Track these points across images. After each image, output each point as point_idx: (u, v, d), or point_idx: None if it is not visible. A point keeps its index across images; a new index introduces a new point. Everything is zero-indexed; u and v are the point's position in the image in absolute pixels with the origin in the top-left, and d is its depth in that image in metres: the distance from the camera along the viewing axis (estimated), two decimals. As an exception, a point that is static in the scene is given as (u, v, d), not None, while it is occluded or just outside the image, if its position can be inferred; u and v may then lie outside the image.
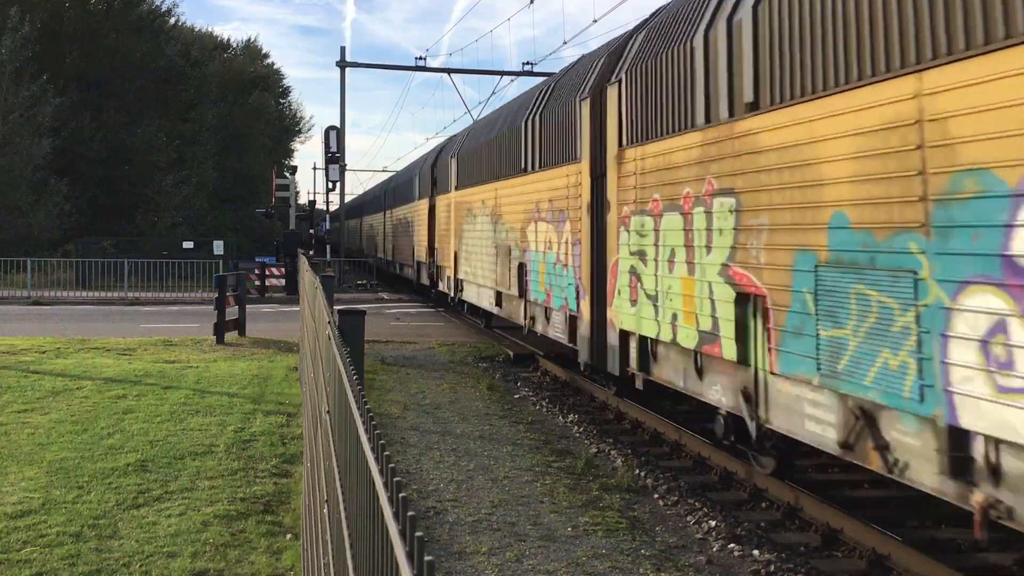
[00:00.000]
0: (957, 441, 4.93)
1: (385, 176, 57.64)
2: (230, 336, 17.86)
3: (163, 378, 13.21)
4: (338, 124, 35.40)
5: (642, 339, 9.32)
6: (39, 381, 12.72)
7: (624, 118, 9.85)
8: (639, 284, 9.26)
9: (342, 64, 36.19)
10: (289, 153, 79.67)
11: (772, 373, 6.70)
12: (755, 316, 6.99)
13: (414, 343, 17.92)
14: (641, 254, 9.23)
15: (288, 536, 6.55)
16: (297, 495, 7.44)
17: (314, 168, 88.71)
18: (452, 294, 20.90)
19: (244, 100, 60.43)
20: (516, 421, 10.87)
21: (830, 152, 5.93)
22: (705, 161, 7.75)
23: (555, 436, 10.19)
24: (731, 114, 7.38)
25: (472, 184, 18.32)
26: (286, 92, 77.69)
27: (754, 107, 7.01)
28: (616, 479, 8.32)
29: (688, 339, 8.05)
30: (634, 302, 9.40)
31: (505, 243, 15.26)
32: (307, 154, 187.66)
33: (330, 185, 35.73)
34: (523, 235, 14.11)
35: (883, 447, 5.55)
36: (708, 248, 7.66)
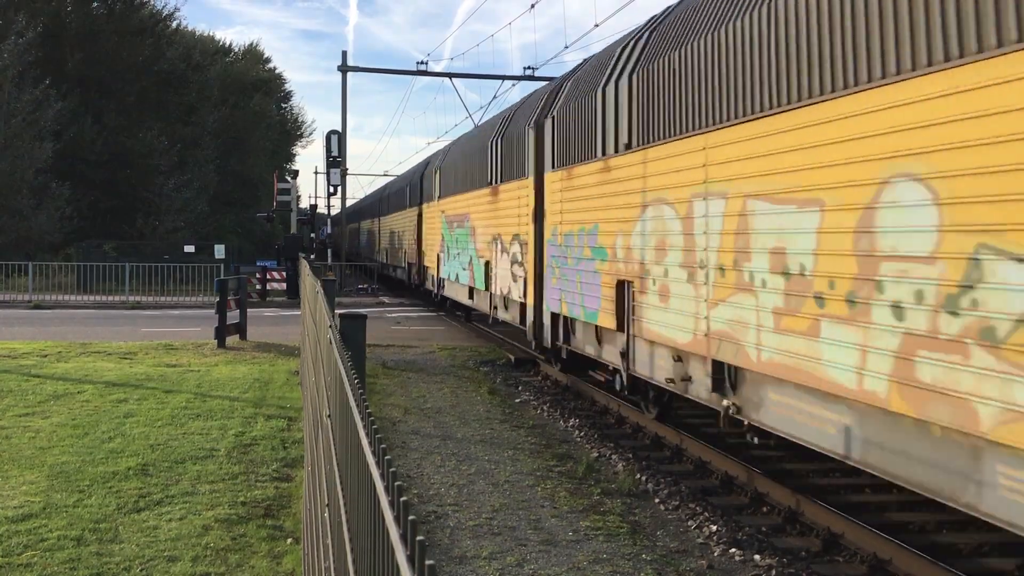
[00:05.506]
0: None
1: (386, 180, 57.31)
2: (231, 340, 17.87)
3: (164, 382, 13.21)
4: (339, 128, 35.44)
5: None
6: (40, 385, 12.72)
7: None
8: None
9: (344, 68, 36.23)
10: (290, 157, 79.74)
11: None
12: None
13: (415, 347, 17.92)
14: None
15: (289, 540, 6.55)
16: (298, 499, 7.44)
17: (315, 172, 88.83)
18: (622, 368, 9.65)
19: (245, 104, 60.40)
20: (517, 425, 10.86)
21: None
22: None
23: (556, 440, 10.19)
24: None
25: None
26: (288, 96, 77.70)
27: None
28: (617, 483, 8.32)
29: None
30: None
31: None
32: (308, 158, 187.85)
33: (331, 189, 35.76)
34: None
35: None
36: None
